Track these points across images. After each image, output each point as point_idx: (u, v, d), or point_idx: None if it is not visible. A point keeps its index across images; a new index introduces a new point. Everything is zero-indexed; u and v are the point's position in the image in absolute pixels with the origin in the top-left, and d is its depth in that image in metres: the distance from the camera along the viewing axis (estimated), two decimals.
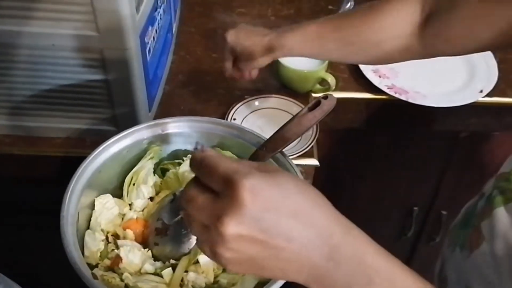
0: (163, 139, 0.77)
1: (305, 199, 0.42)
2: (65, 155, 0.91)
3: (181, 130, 0.77)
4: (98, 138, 0.77)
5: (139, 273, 0.65)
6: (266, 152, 0.63)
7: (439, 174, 1.29)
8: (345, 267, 0.42)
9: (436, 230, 1.40)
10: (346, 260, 0.42)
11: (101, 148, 0.72)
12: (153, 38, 0.91)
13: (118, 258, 0.66)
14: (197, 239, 0.44)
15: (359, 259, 0.43)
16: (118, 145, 0.73)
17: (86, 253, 0.67)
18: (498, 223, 0.65)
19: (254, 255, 0.41)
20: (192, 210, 0.42)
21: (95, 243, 0.67)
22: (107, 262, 0.67)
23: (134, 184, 0.73)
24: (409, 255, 1.49)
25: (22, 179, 0.92)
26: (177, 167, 0.75)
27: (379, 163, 1.25)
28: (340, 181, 1.29)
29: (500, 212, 0.65)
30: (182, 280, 0.65)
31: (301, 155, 0.93)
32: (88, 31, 0.77)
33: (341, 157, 1.23)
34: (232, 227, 0.39)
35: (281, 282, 0.60)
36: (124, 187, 0.73)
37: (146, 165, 0.75)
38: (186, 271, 0.66)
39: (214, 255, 0.42)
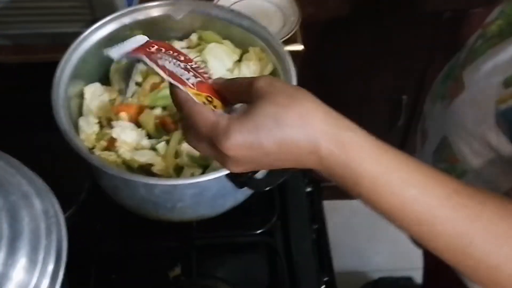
0: (148, 24, 0.77)
1: (290, 127, 0.44)
2: (50, 60, 0.91)
3: (165, 13, 0.76)
4: None
5: (135, 149, 0.67)
6: None
7: (425, 60, 1.30)
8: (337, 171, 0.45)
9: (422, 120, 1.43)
10: (336, 166, 0.45)
11: (82, 36, 0.73)
12: None
13: (113, 139, 0.68)
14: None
15: (348, 163, 0.44)
16: (100, 32, 0.74)
17: (81, 136, 0.68)
18: (480, 71, 0.67)
19: (253, 157, 0.44)
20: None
21: (89, 127, 0.69)
22: (103, 144, 0.68)
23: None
24: (400, 145, 1.52)
25: (11, 88, 0.93)
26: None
27: (366, 52, 1.25)
28: (327, 75, 1.30)
29: (483, 59, 0.67)
30: (176, 153, 0.67)
31: (284, 41, 0.94)
32: None
33: (328, 49, 1.23)
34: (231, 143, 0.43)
35: None
36: (110, 75, 0.74)
37: None
38: (179, 145, 0.68)
39: (217, 156, 0.46)
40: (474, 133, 0.69)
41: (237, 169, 0.46)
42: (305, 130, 0.43)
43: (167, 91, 0.59)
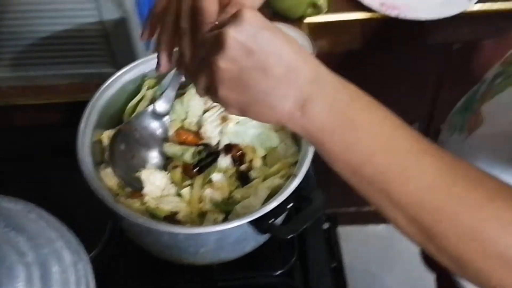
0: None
1: (297, 43, 0.47)
2: (70, 101, 0.94)
3: None
4: (101, 82, 0.79)
5: (160, 197, 0.69)
6: None
7: (435, 88, 1.31)
8: (328, 89, 0.46)
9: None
10: (330, 83, 0.46)
11: (106, 84, 0.75)
12: None
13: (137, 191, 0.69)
14: (196, 75, 0.49)
15: (341, 82, 0.47)
16: (121, 81, 0.77)
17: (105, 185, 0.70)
18: (499, 107, 0.69)
19: (245, 69, 0.44)
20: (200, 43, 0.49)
21: (108, 179, 0.70)
22: (128, 191, 0.70)
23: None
24: None
25: (31, 128, 0.95)
26: (182, 97, 0.77)
27: (377, 82, 1.26)
28: None
29: (504, 96, 0.69)
30: (199, 198, 0.69)
31: None
32: None
33: None
34: (232, 34, 0.44)
35: (290, 191, 0.64)
36: (124, 118, 0.77)
37: (146, 96, 0.77)
38: (202, 189, 0.69)
39: (210, 71, 0.46)
40: (491, 167, 0.70)
41: (226, 90, 0.46)
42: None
43: None
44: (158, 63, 0.57)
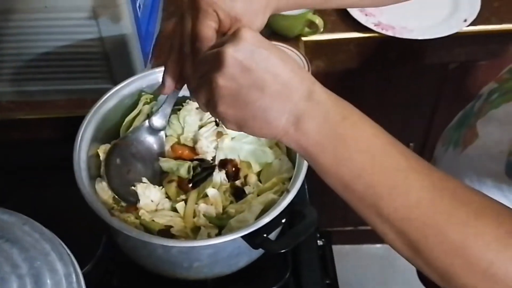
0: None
1: (293, 60, 0.49)
2: (67, 116, 0.94)
3: None
4: (98, 98, 0.79)
5: (155, 211, 0.69)
6: None
7: (431, 108, 1.33)
8: (322, 106, 0.47)
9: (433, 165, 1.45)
10: (323, 100, 0.47)
11: (103, 99, 0.76)
12: None
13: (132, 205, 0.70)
14: (195, 91, 0.51)
15: (334, 99, 0.48)
16: (118, 96, 0.77)
17: (100, 199, 0.70)
18: (494, 123, 0.70)
19: (243, 86, 0.46)
20: (200, 60, 0.51)
21: (104, 193, 0.71)
22: (123, 205, 0.70)
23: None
24: None
25: (29, 142, 0.95)
26: (178, 112, 0.79)
27: (373, 101, 1.28)
28: None
29: (498, 112, 0.70)
30: (194, 212, 0.69)
31: None
32: None
33: None
34: (230, 52, 0.46)
35: (283, 206, 0.64)
36: (120, 133, 0.77)
37: (143, 111, 0.78)
38: (197, 204, 0.70)
39: (210, 88, 0.47)
40: (484, 182, 0.71)
41: (225, 105, 0.47)
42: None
43: None
44: (162, 84, 0.60)
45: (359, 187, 0.47)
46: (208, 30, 0.55)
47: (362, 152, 0.47)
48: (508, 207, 0.46)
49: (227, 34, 0.55)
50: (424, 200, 0.46)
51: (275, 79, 0.46)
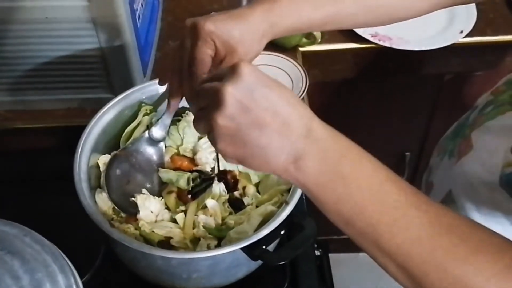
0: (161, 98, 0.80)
1: (291, 95, 0.49)
2: (67, 125, 0.95)
3: None
4: (98, 107, 0.80)
5: (155, 222, 0.70)
6: None
7: (427, 118, 1.33)
8: (320, 144, 0.48)
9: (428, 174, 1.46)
10: (322, 137, 0.48)
11: (102, 111, 0.77)
12: (141, 4, 0.94)
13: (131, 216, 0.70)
14: (195, 120, 0.52)
15: (333, 136, 0.49)
16: (118, 107, 0.78)
17: (100, 210, 0.71)
18: (489, 134, 0.71)
19: (242, 126, 0.47)
20: (199, 91, 0.51)
21: (104, 203, 0.71)
22: (122, 216, 0.71)
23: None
24: None
25: (28, 152, 0.96)
26: (177, 123, 0.79)
27: (369, 111, 1.29)
28: None
29: (493, 123, 0.71)
30: (193, 223, 0.70)
31: None
32: (79, 1, 0.80)
33: (332, 109, 1.26)
34: (230, 91, 0.46)
35: (282, 218, 0.65)
36: (120, 144, 0.78)
37: (142, 122, 0.79)
38: (196, 215, 0.70)
39: (209, 124, 0.48)
40: (479, 191, 0.72)
41: (224, 143, 0.48)
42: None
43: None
44: (168, 103, 0.69)
45: (360, 223, 0.48)
46: (205, 56, 0.58)
47: (362, 190, 0.48)
48: (508, 240, 0.47)
49: (224, 62, 0.59)
50: (423, 237, 0.46)
51: (274, 118, 0.47)
